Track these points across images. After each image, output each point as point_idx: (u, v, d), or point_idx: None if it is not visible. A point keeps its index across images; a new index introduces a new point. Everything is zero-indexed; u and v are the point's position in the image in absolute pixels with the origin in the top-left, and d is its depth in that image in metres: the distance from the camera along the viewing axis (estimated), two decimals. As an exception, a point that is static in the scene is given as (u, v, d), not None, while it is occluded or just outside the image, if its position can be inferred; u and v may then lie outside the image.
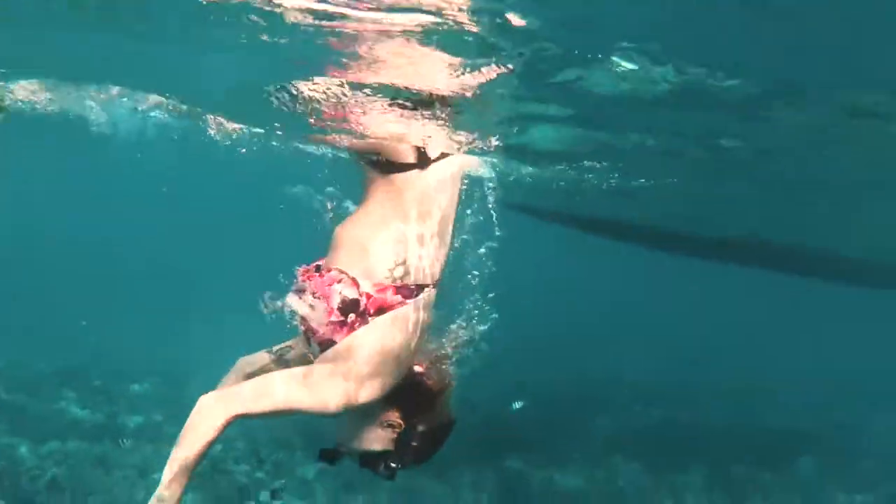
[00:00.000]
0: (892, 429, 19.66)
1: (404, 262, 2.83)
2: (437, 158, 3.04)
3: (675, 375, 23.66)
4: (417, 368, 3.03)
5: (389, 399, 2.88)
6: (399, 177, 2.95)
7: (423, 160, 2.99)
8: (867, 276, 21.21)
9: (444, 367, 3.10)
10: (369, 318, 2.77)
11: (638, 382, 22.12)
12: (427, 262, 2.91)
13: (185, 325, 22.13)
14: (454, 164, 3.04)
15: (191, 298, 26.70)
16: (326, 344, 2.83)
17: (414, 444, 2.92)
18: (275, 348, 3.31)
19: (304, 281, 2.97)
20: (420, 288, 2.86)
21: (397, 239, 2.85)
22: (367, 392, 2.74)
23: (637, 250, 23.06)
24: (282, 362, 3.19)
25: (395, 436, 2.92)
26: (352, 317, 2.76)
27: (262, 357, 3.34)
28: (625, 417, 18.59)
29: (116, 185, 29.42)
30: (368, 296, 2.79)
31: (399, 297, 2.82)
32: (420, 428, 2.94)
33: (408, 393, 2.95)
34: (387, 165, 2.99)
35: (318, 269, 3.01)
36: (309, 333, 2.91)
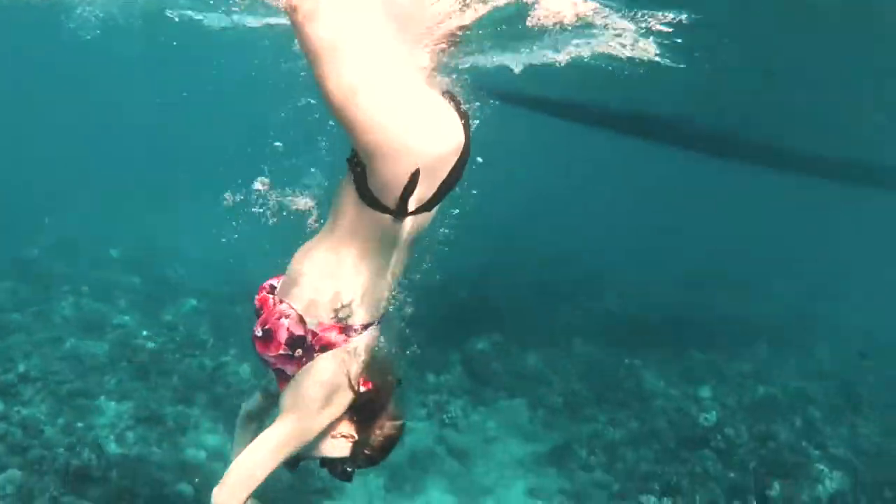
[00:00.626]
0: (847, 320, 20.56)
1: (350, 304, 2.99)
2: (415, 211, 2.93)
3: (633, 262, 24.27)
4: (362, 388, 3.21)
5: (342, 414, 3.20)
6: (371, 215, 2.90)
7: (401, 211, 2.87)
8: (824, 168, 21.53)
9: (387, 375, 3.29)
10: (315, 355, 3.00)
11: (597, 269, 22.65)
12: (374, 301, 3.08)
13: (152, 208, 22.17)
14: (428, 217, 3.07)
15: (155, 183, 26.54)
16: (279, 372, 3.15)
17: (366, 451, 3.26)
18: (262, 385, 3.67)
19: (259, 305, 3.19)
20: (365, 327, 3.07)
21: (348, 284, 2.97)
22: (324, 420, 3.10)
23: (600, 135, 22.98)
24: (272, 397, 3.49)
25: (350, 444, 3.25)
26: (299, 352, 3.01)
27: (258, 400, 3.75)
28: (584, 302, 19.08)
29: (78, 70, 28.55)
30: (314, 334, 2.99)
31: (343, 337, 3.02)
32: (371, 436, 3.26)
33: (357, 407, 3.20)
34: (365, 189, 2.86)
35: (272, 289, 3.20)
36: (264, 359, 3.18)
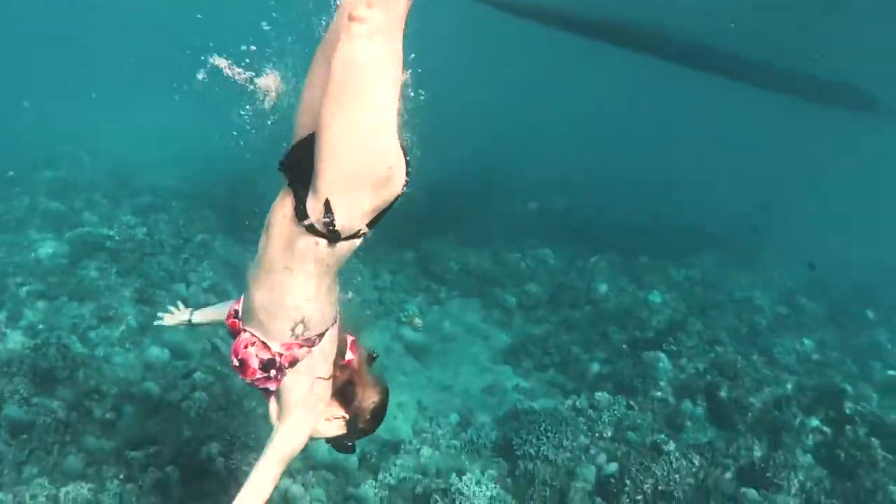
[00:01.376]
0: (796, 233, 21.00)
1: (303, 321, 3.18)
2: (348, 238, 3.00)
3: (584, 168, 24.31)
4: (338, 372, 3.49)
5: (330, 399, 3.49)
6: (306, 237, 2.96)
7: (333, 236, 2.93)
8: (778, 81, 21.64)
9: (361, 353, 3.57)
10: (287, 371, 3.26)
11: (549, 174, 22.57)
12: (323, 310, 3.24)
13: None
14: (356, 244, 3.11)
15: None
16: (263, 389, 3.38)
17: (360, 425, 3.51)
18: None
19: (231, 329, 3.49)
20: (321, 335, 3.28)
21: (298, 304, 3.13)
22: (317, 415, 3.42)
23: (549, 40, 22.64)
24: None
25: (344, 422, 3.50)
26: (273, 371, 3.26)
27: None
28: (537, 207, 19.02)
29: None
30: (280, 354, 3.23)
31: (306, 350, 3.26)
32: (361, 410, 3.49)
33: (338, 392, 3.49)
34: (303, 213, 2.88)
35: (237, 314, 3.47)
36: (246, 381, 3.39)
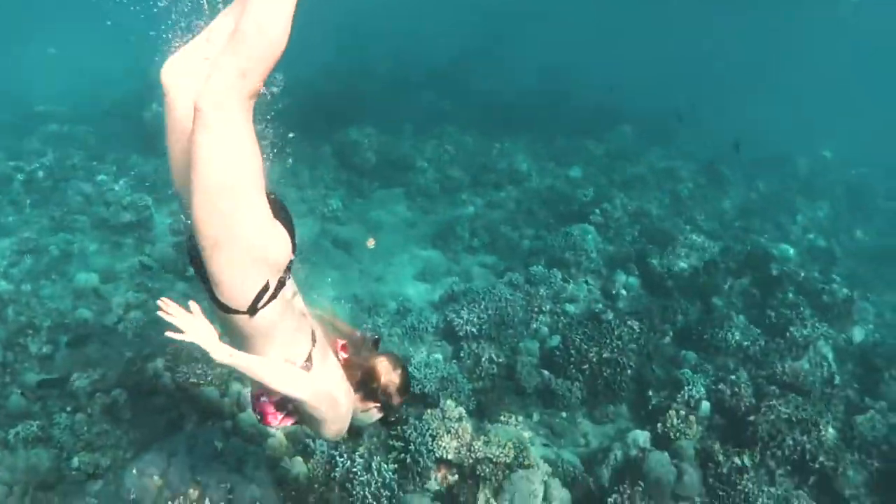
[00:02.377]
0: (709, 110, 21.18)
1: (290, 360, 3.23)
2: (265, 304, 2.93)
3: (499, 49, 23.87)
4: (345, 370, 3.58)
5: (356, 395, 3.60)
6: (236, 318, 2.96)
7: (253, 308, 2.89)
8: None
9: (362, 346, 3.68)
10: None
11: (464, 56, 22.14)
12: (301, 334, 3.28)
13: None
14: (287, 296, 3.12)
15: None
16: (292, 414, 3.50)
17: (393, 403, 3.62)
18: None
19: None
20: (308, 360, 3.30)
21: (277, 353, 3.18)
22: (345, 413, 3.51)
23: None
24: None
25: (379, 406, 3.62)
26: (290, 406, 3.42)
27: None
28: (452, 90, 18.66)
29: None
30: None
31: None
32: (389, 395, 3.58)
33: (362, 387, 3.59)
34: (217, 301, 2.90)
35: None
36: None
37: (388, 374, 3.59)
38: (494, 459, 6.27)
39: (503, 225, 11.91)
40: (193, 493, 5.49)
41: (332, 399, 3.40)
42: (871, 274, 12.89)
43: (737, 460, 6.91)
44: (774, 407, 7.38)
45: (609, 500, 6.22)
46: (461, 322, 8.49)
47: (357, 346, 3.69)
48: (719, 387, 7.89)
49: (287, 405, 3.44)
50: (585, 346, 7.94)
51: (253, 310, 2.88)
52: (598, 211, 11.76)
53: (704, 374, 8.32)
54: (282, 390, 3.16)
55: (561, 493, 6.30)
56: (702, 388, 7.91)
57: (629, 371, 7.97)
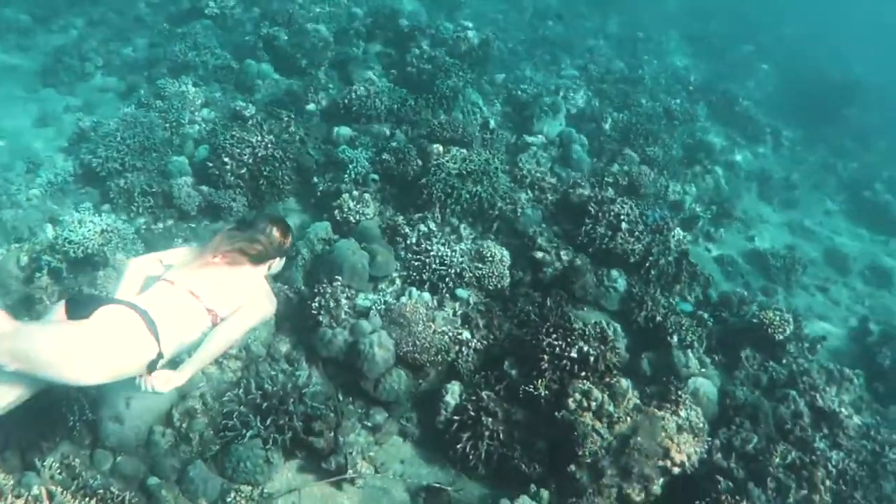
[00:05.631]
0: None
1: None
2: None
3: None
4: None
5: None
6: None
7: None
8: None
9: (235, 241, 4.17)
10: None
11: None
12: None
13: None
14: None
15: None
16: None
17: (286, 247, 4.43)
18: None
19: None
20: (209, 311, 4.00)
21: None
22: (266, 293, 4.28)
23: None
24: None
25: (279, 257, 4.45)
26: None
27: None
28: None
29: None
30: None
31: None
32: (279, 246, 4.34)
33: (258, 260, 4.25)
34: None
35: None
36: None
37: (266, 239, 4.21)
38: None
39: (112, 42, 10.65)
40: None
41: (257, 305, 4.06)
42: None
43: (422, 227, 7.24)
44: (443, 164, 7.72)
45: (314, 304, 6.14)
46: (100, 161, 7.69)
47: (233, 244, 4.11)
48: (383, 157, 8.04)
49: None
50: (237, 149, 7.63)
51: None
52: (212, 3, 10.89)
53: (364, 147, 8.44)
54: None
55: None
56: (366, 163, 8.05)
57: (288, 163, 7.87)
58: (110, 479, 4.86)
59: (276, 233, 4.27)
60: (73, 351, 3.32)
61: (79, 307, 3.55)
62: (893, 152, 16.28)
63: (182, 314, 3.80)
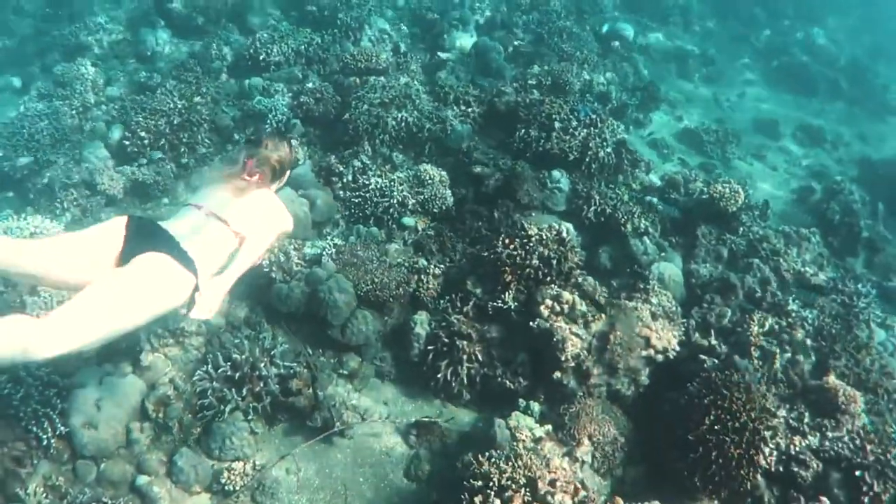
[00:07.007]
0: None
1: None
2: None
3: None
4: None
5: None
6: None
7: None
8: None
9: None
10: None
11: None
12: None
13: None
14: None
15: None
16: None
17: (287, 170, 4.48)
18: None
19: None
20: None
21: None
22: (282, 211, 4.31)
23: None
24: None
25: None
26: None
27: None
28: None
29: None
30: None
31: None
32: (283, 170, 4.42)
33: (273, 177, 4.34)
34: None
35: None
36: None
37: (286, 152, 4.31)
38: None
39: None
40: None
41: (279, 220, 4.16)
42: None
43: (355, 163, 7.15)
44: (363, 96, 7.61)
45: (263, 262, 5.93)
46: (10, 163, 7.32)
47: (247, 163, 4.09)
48: (301, 100, 7.89)
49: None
50: (152, 121, 7.36)
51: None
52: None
53: (280, 94, 8.24)
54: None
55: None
56: (285, 109, 7.87)
57: (206, 124, 7.64)
58: (98, 488, 4.76)
59: (286, 146, 4.35)
60: (120, 301, 3.19)
61: (138, 235, 3.55)
62: (803, 14, 16.49)
63: (214, 243, 3.80)
